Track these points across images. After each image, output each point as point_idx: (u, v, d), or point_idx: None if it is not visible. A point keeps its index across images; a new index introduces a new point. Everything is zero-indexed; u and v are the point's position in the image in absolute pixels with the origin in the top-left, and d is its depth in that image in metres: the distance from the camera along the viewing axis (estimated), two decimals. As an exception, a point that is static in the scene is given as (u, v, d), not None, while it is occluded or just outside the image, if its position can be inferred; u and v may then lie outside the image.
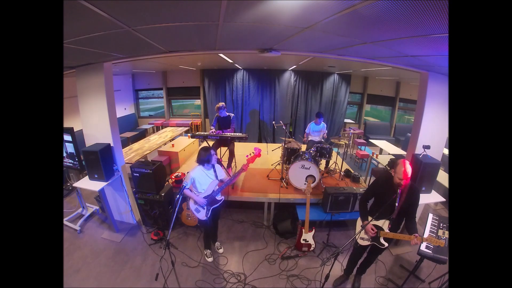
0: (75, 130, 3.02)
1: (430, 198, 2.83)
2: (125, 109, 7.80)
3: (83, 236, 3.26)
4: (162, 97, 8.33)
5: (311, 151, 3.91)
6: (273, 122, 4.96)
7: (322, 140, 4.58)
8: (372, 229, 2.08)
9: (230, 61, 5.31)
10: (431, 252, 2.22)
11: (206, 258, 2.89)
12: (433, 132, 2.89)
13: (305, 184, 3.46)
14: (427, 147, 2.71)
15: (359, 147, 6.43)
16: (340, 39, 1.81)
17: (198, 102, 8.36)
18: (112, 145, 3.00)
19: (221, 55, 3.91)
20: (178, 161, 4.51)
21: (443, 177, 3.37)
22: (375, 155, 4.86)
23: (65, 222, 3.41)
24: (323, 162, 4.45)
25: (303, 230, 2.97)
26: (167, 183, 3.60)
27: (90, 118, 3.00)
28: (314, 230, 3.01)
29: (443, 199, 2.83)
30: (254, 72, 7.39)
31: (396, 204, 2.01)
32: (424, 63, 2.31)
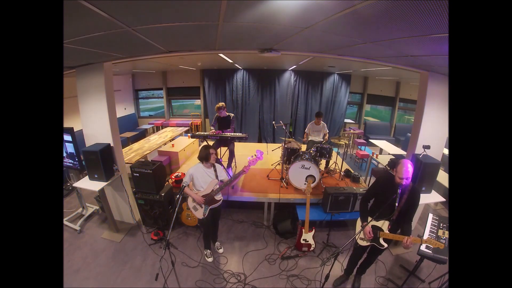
0: (75, 130, 3.02)
1: (430, 198, 2.83)
2: (125, 109, 7.81)
3: (83, 236, 3.26)
4: (162, 97, 8.33)
5: (311, 151, 3.91)
6: (273, 122, 4.96)
7: (323, 140, 4.58)
8: (369, 232, 2.08)
9: (230, 61, 5.31)
10: (431, 252, 2.22)
11: (206, 258, 2.89)
12: (433, 132, 2.89)
13: (305, 184, 3.46)
14: (427, 147, 2.71)
15: (359, 147, 6.43)
16: (340, 39, 1.81)
17: (198, 102, 8.36)
18: (112, 145, 3.00)
19: (221, 55, 3.90)
20: (178, 161, 4.51)
21: (443, 177, 3.37)
22: (375, 155, 4.86)
23: (65, 222, 3.41)
24: (323, 162, 4.45)
25: (303, 230, 2.97)
26: (167, 183, 3.60)
27: (90, 118, 2.99)
28: (314, 230, 3.01)
29: (443, 199, 2.82)
30: (254, 72, 7.39)
31: (396, 205, 2.01)
32: (424, 63, 2.31)
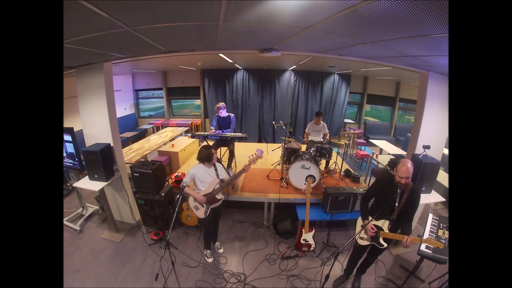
0: (75, 130, 3.01)
1: (430, 198, 2.83)
2: (125, 109, 7.81)
3: (83, 236, 3.26)
4: (162, 97, 8.33)
5: (311, 151, 3.91)
6: (273, 122, 4.96)
7: (323, 140, 4.58)
8: (372, 228, 2.08)
9: (230, 61, 5.31)
10: (431, 252, 2.22)
11: (206, 258, 2.89)
12: (433, 132, 2.89)
13: (305, 184, 3.46)
14: (427, 147, 2.71)
15: (359, 147, 6.43)
16: (340, 39, 1.81)
17: (198, 102, 8.36)
18: (112, 145, 3.00)
19: (221, 55, 3.91)
20: (178, 161, 4.51)
21: (443, 177, 3.37)
22: (375, 155, 4.86)
23: (65, 222, 3.41)
24: (323, 162, 4.45)
25: (303, 230, 2.97)
26: (167, 183, 3.60)
27: (90, 118, 2.99)
28: (314, 230, 3.01)
29: (443, 199, 2.83)
30: (254, 72, 7.39)
31: (396, 205, 2.01)
32: (424, 63, 2.30)
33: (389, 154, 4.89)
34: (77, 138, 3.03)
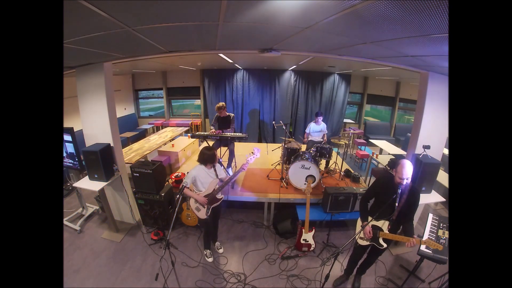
0: (75, 130, 3.02)
1: (430, 198, 2.83)
2: (125, 109, 7.80)
3: (83, 236, 3.26)
4: (162, 97, 8.33)
5: (311, 151, 3.90)
6: (273, 122, 4.96)
7: (323, 140, 4.58)
8: (369, 232, 2.08)
9: (230, 61, 5.31)
10: (431, 252, 2.22)
11: (206, 258, 2.89)
12: (433, 132, 2.89)
13: (305, 184, 3.46)
14: (427, 147, 2.71)
15: (359, 147, 6.43)
16: (340, 39, 1.81)
17: (198, 102, 8.35)
18: (112, 145, 3.00)
19: (221, 55, 3.90)
20: (178, 161, 4.51)
21: (443, 177, 3.37)
22: (375, 155, 4.86)
23: (65, 222, 3.41)
24: (323, 162, 4.45)
25: (303, 230, 2.97)
26: (167, 183, 3.60)
27: (90, 118, 2.99)
28: (314, 230, 3.01)
29: (443, 199, 2.83)
30: (254, 72, 7.38)
31: (396, 205, 2.01)
32: (424, 63, 2.30)
33: (389, 154, 4.89)
34: (77, 138, 3.03)
